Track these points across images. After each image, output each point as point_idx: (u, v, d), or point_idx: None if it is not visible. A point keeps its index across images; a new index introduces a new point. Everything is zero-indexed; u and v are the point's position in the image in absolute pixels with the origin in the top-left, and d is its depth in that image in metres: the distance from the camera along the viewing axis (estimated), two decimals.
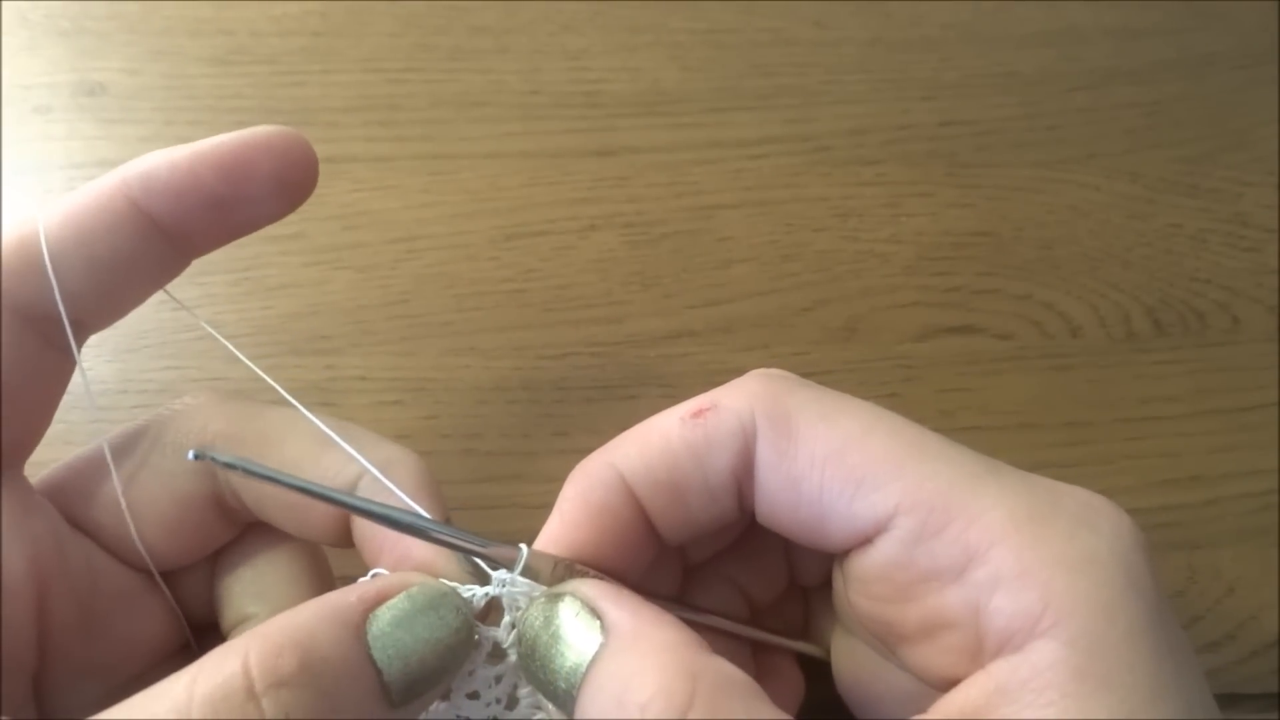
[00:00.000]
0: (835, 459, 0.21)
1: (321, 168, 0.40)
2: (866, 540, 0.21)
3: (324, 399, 0.36)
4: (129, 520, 0.24)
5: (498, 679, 0.22)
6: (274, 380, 0.37)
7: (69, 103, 0.42)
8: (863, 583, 0.22)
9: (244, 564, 0.26)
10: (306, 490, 0.21)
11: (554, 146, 0.42)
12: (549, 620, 0.20)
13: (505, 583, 0.21)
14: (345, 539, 0.25)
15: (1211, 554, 0.35)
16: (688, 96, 0.44)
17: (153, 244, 0.23)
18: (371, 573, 0.22)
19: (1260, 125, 0.46)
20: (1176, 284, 0.41)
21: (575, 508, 0.23)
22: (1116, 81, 0.46)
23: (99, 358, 0.37)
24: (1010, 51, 0.47)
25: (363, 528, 0.24)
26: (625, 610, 0.20)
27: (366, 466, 0.23)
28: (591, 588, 0.21)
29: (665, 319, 0.39)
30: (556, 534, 0.22)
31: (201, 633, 0.26)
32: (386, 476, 0.23)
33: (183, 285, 0.38)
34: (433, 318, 0.38)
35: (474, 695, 0.22)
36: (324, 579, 0.27)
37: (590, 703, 0.19)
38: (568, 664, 0.19)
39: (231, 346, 0.26)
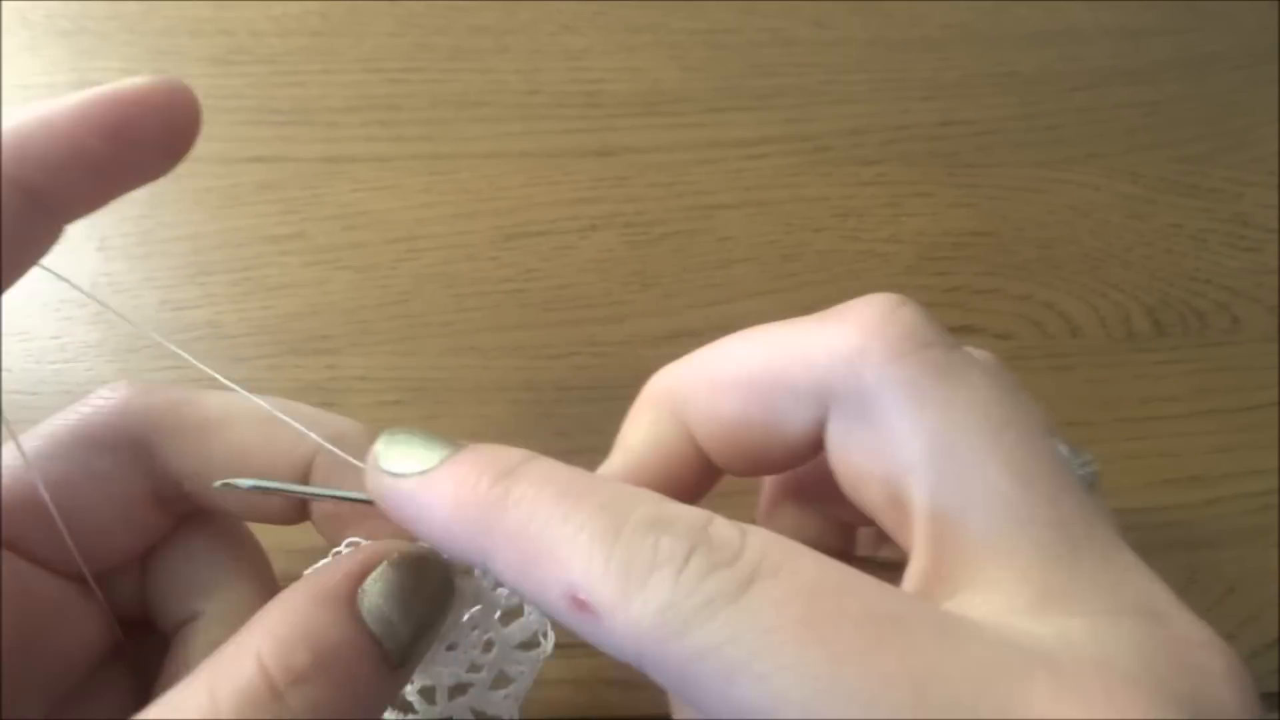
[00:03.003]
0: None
1: (321, 168, 0.40)
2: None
3: (324, 399, 0.36)
4: (63, 528, 0.22)
5: (473, 627, 0.23)
6: (274, 380, 0.37)
7: None
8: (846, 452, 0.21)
9: (181, 559, 0.25)
10: (344, 499, 0.22)
11: (554, 146, 0.42)
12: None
13: None
14: (298, 516, 0.24)
15: (1211, 554, 0.35)
16: (687, 96, 0.44)
17: (26, 216, 0.20)
18: (345, 542, 0.22)
19: (1260, 125, 0.46)
20: (1176, 284, 0.41)
21: (627, 470, 0.22)
22: (1116, 81, 0.46)
23: (99, 357, 0.37)
24: (1010, 51, 0.47)
25: (324, 503, 0.24)
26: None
27: (322, 443, 0.23)
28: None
29: (665, 319, 0.39)
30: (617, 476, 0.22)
31: (133, 633, 0.25)
32: (340, 449, 0.23)
33: (183, 285, 0.39)
34: (433, 318, 0.38)
35: (453, 646, 0.23)
36: (263, 565, 0.26)
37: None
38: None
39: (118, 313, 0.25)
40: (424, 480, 0.19)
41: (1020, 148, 0.44)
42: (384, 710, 0.21)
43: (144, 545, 0.25)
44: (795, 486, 0.26)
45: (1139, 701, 0.15)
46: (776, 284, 0.40)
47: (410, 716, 0.23)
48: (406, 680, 0.21)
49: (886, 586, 0.16)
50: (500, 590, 0.23)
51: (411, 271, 0.39)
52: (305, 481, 0.23)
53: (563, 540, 0.17)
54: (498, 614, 0.23)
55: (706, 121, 0.44)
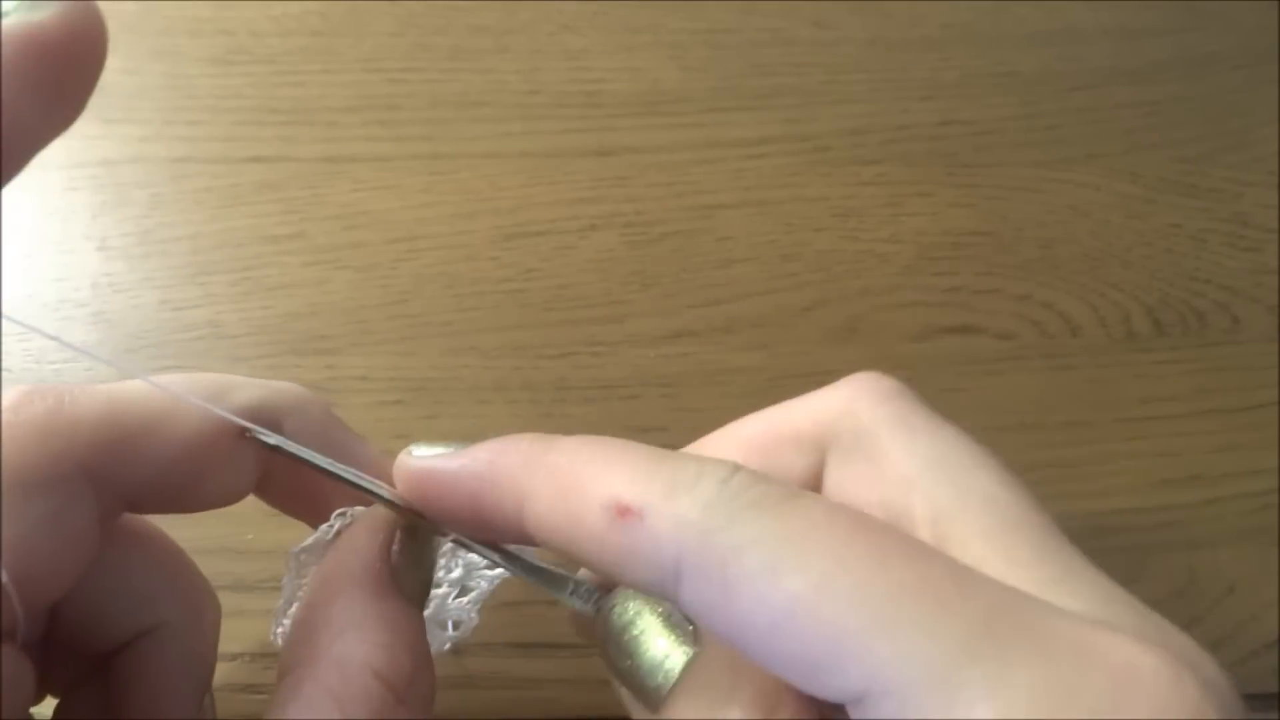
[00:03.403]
0: (780, 632, 0.16)
1: (321, 168, 0.40)
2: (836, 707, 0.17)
3: (324, 399, 0.36)
4: (14, 597, 0.18)
5: (446, 567, 0.24)
6: (272, 380, 0.37)
7: None
8: None
9: (116, 573, 0.22)
10: (358, 485, 0.22)
11: (554, 146, 0.42)
12: (637, 618, 0.21)
13: None
14: (243, 493, 0.23)
15: (1211, 554, 0.35)
16: (687, 96, 0.44)
17: None
18: (335, 513, 0.22)
19: (1260, 125, 0.46)
20: (1176, 284, 0.41)
21: None
22: (1116, 81, 0.46)
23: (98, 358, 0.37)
24: (1010, 51, 0.47)
25: (298, 474, 0.22)
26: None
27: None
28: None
29: (665, 319, 0.39)
30: None
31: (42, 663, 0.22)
32: (306, 416, 0.23)
33: (183, 285, 0.39)
34: (433, 318, 0.38)
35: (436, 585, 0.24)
36: (184, 558, 0.24)
37: (687, 700, 0.19)
38: (660, 661, 0.20)
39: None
40: (461, 451, 0.20)
41: (1020, 148, 0.44)
42: None
43: (85, 570, 0.21)
44: None
45: (1146, 641, 0.15)
46: (776, 284, 0.40)
47: None
48: None
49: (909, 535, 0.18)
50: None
51: (411, 271, 0.39)
52: (267, 458, 0.22)
53: (605, 465, 0.18)
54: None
55: (706, 121, 0.44)
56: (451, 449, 0.20)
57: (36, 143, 0.18)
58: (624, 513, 0.17)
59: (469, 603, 0.25)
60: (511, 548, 0.22)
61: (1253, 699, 0.33)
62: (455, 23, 0.45)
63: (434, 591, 0.24)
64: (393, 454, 0.23)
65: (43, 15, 0.16)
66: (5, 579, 0.18)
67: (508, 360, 0.38)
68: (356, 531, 0.22)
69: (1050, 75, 0.46)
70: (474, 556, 0.24)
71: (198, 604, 0.24)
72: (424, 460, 0.20)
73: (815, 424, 0.22)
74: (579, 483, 0.18)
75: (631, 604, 0.21)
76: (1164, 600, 0.32)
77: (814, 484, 0.22)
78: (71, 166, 0.41)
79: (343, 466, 0.22)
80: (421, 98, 0.43)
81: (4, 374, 0.36)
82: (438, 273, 0.39)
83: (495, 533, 0.20)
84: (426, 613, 0.24)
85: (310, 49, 0.44)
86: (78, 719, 0.23)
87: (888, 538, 0.16)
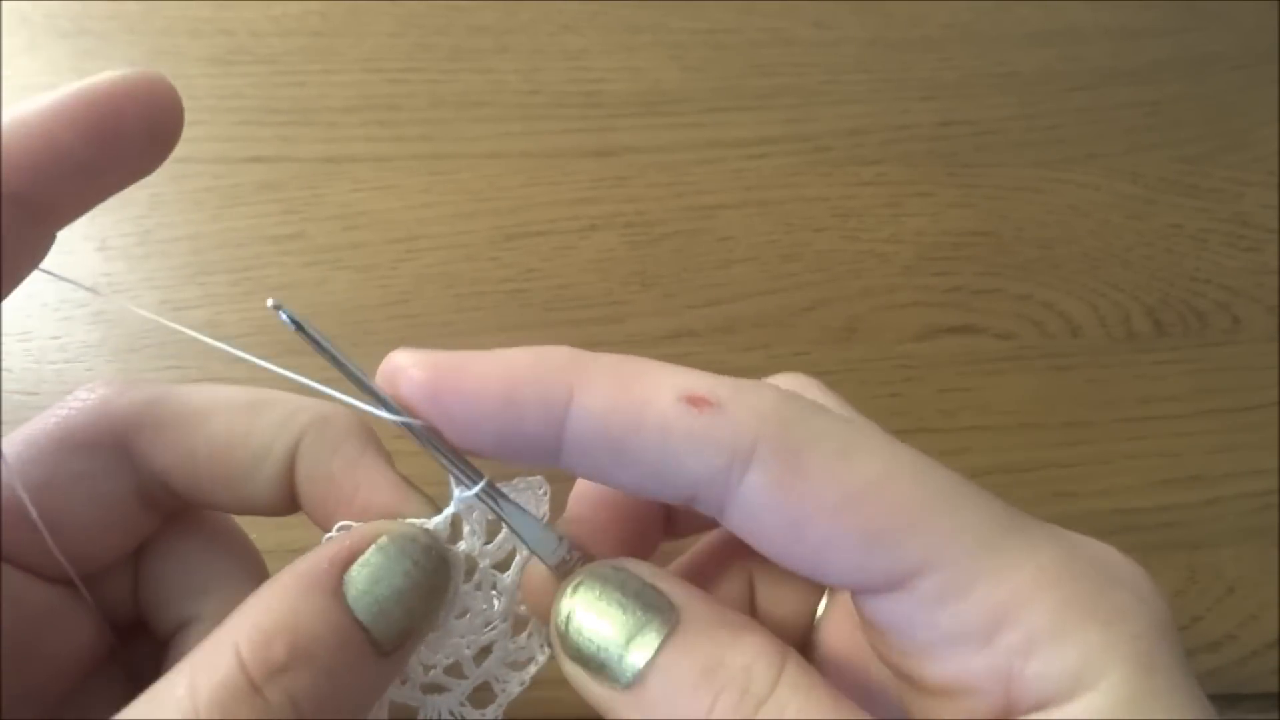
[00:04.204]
0: (849, 507, 0.18)
1: (321, 168, 0.40)
2: (877, 593, 0.19)
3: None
4: (44, 531, 0.22)
5: (476, 587, 0.22)
6: (274, 380, 0.37)
7: None
8: (874, 628, 0.20)
9: (173, 562, 0.24)
10: (362, 384, 0.21)
11: (554, 146, 0.42)
12: (607, 591, 0.20)
13: (464, 501, 0.21)
14: (288, 506, 0.24)
15: (1211, 554, 0.35)
16: (687, 96, 0.44)
17: (14, 222, 0.20)
18: (337, 526, 0.22)
19: (1260, 125, 0.46)
20: (1176, 284, 0.41)
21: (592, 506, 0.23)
22: (1116, 81, 0.46)
23: (98, 357, 0.37)
24: (1010, 51, 0.47)
25: (313, 489, 0.23)
26: (688, 591, 0.20)
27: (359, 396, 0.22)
28: (646, 566, 0.20)
29: (665, 319, 0.39)
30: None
31: (125, 635, 0.25)
32: (323, 432, 0.23)
33: (183, 285, 0.39)
34: (433, 318, 0.38)
35: (462, 614, 0.22)
36: (257, 565, 0.25)
37: (665, 677, 0.19)
38: (633, 636, 0.19)
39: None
40: (492, 351, 0.19)
41: (1020, 148, 0.44)
42: (377, 696, 0.21)
43: (132, 545, 0.24)
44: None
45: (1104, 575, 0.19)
46: (776, 284, 0.40)
47: (444, 695, 0.23)
48: (401, 665, 0.21)
49: None
50: (487, 546, 0.22)
51: (411, 271, 0.39)
52: (290, 472, 0.23)
53: (664, 368, 0.19)
54: (489, 564, 0.23)
55: (706, 121, 0.44)
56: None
57: (101, 182, 0.21)
58: (699, 402, 0.18)
59: (533, 635, 0.23)
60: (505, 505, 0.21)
61: (1253, 699, 0.33)
62: (455, 23, 0.45)
63: (491, 634, 0.23)
64: (390, 456, 0.23)
65: (106, 75, 0.20)
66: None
67: None
68: (336, 538, 0.21)
69: (1050, 75, 0.46)
70: (509, 578, 0.23)
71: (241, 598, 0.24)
72: (447, 356, 0.19)
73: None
74: (645, 374, 0.19)
75: (610, 572, 0.20)
76: None
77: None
78: None
79: (349, 363, 0.21)
80: (421, 98, 0.43)
81: (4, 374, 0.36)
82: (438, 273, 0.39)
83: (523, 438, 0.19)
84: (490, 660, 0.23)
85: (310, 49, 0.44)
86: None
87: (921, 454, 0.19)
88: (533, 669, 0.23)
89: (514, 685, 0.23)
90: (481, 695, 0.23)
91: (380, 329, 0.38)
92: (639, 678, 0.18)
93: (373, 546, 0.20)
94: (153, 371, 0.36)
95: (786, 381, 0.22)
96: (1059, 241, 0.42)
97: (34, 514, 0.21)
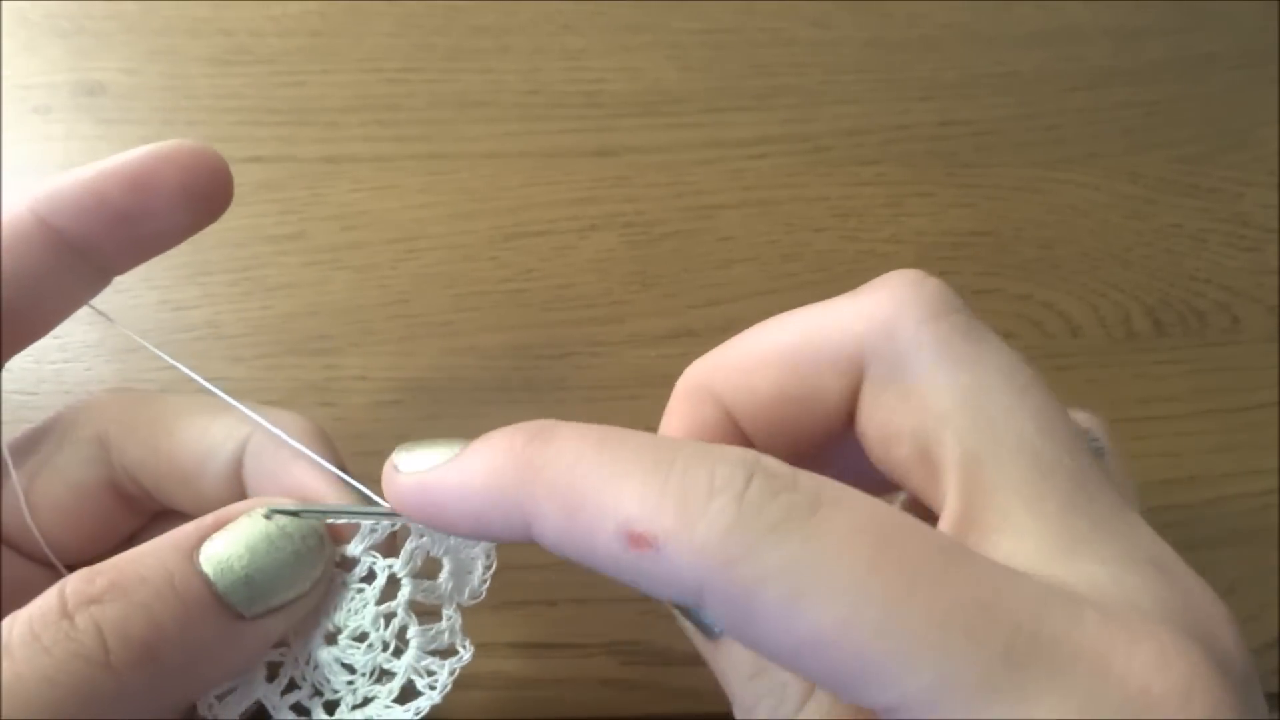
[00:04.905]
0: (807, 654, 0.16)
1: (321, 168, 0.40)
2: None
3: (324, 399, 0.36)
4: (26, 513, 0.24)
5: (386, 619, 0.22)
6: (274, 380, 0.37)
7: (68, 103, 0.42)
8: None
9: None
10: (373, 514, 0.22)
11: (553, 146, 0.42)
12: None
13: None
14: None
15: (1211, 554, 0.35)
16: (687, 96, 0.44)
17: (64, 260, 0.23)
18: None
19: (1260, 125, 0.46)
20: (1176, 284, 0.41)
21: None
22: (1115, 81, 0.46)
23: (98, 357, 0.37)
24: (1009, 51, 0.47)
25: (259, 485, 0.24)
26: None
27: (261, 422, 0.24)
28: None
29: (665, 319, 0.39)
30: None
31: None
32: (270, 431, 0.24)
33: (183, 285, 0.39)
34: (432, 318, 0.38)
35: (361, 637, 0.22)
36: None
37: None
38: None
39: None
40: (454, 461, 0.19)
41: (1020, 148, 0.44)
42: (236, 658, 0.21)
43: (115, 538, 0.26)
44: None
45: (1167, 637, 0.15)
46: (776, 284, 0.40)
47: (373, 704, 0.23)
48: (264, 639, 0.21)
49: (937, 530, 0.17)
50: (411, 582, 0.22)
51: (411, 271, 0.39)
52: (238, 470, 0.24)
53: (611, 480, 0.17)
54: (407, 598, 0.23)
55: (706, 121, 0.44)
56: (441, 450, 0.19)
57: (144, 231, 0.24)
58: (638, 541, 0.16)
59: (478, 559, 0.23)
60: None
61: None
62: (455, 23, 0.45)
63: (394, 663, 0.23)
64: (341, 458, 0.24)
65: (170, 142, 0.24)
66: None
67: (508, 360, 0.38)
68: (213, 512, 0.22)
69: (1050, 75, 0.46)
70: (398, 564, 0.23)
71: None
72: (414, 477, 0.19)
73: (852, 341, 0.21)
74: (586, 502, 0.17)
75: None
76: None
77: (850, 406, 0.21)
78: (71, 167, 0.40)
79: (342, 507, 0.23)
80: (421, 98, 0.43)
81: (4, 374, 0.36)
82: (437, 273, 0.39)
83: (517, 540, 0.19)
84: (389, 684, 0.23)
85: (310, 49, 0.44)
86: None
87: (913, 553, 0.16)
88: (464, 655, 0.23)
89: (444, 675, 0.23)
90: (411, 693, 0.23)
91: (380, 329, 0.38)
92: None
93: (243, 515, 0.21)
94: (153, 371, 0.36)
95: (900, 295, 0.21)
96: (1059, 241, 0.42)
97: (21, 497, 0.24)
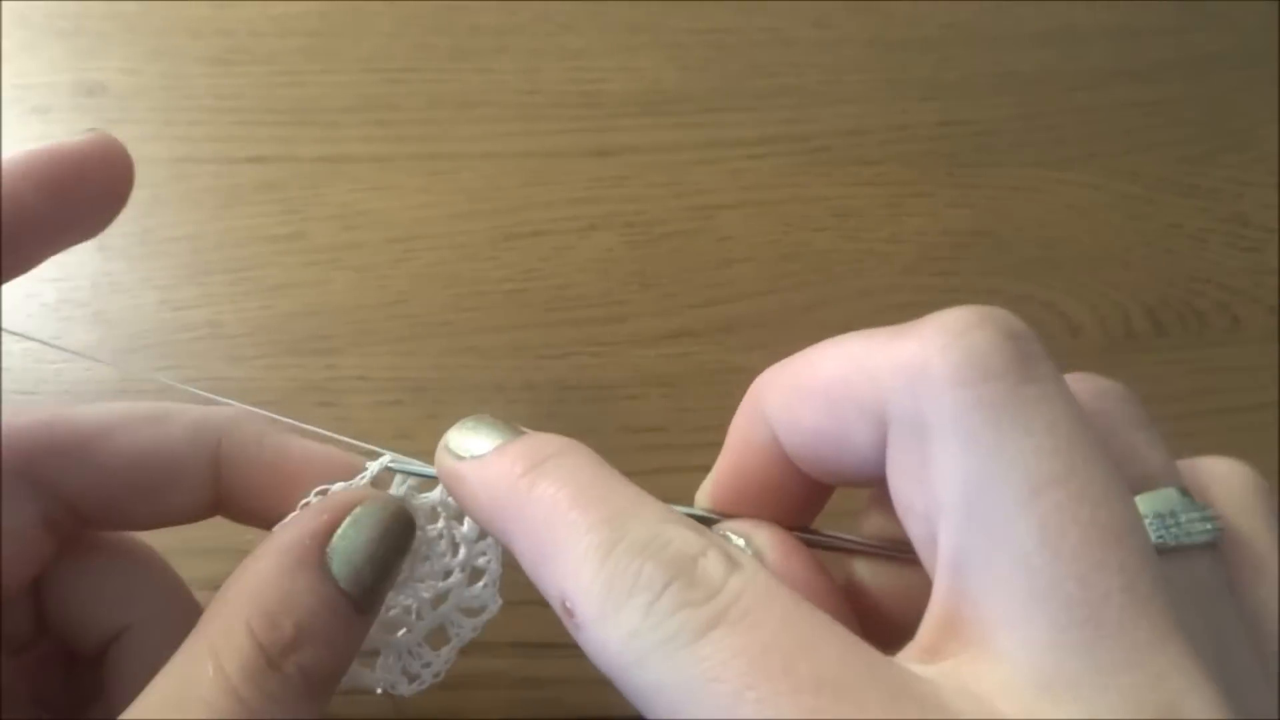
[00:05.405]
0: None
1: (321, 168, 0.40)
2: None
3: (324, 399, 0.36)
4: None
5: (439, 537, 0.24)
6: (273, 380, 0.37)
7: (68, 103, 0.42)
8: None
9: (85, 578, 0.25)
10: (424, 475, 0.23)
11: (553, 146, 0.42)
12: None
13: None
14: (207, 511, 0.25)
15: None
16: (687, 96, 0.44)
17: None
18: (314, 492, 0.23)
19: (1260, 125, 0.46)
20: (1176, 284, 0.41)
21: (726, 471, 0.23)
22: (1116, 81, 0.46)
23: (98, 358, 0.37)
24: (1010, 51, 0.47)
25: (249, 482, 0.24)
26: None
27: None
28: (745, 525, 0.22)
29: (665, 319, 0.39)
30: (711, 494, 0.23)
31: (25, 658, 0.25)
32: (241, 430, 0.24)
33: (182, 285, 0.39)
34: (432, 317, 0.38)
35: (424, 562, 0.24)
36: (160, 563, 0.26)
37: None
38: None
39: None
40: (476, 463, 0.20)
41: (1020, 148, 0.44)
42: (359, 648, 0.22)
43: (34, 573, 0.24)
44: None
45: None
46: (776, 284, 0.40)
47: (402, 634, 0.24)
48: (375, 616, 0.23)
49: (857, 647, 0.16)
50: (450, 499, 0.24)
51: (410, 271, 0.39)
52: (214, 476, 0.24)
53: (566, 546, 0.18)
54: (450, 515, 0.24)
55: (706, 121, 0.44)
56: (485, 438, 0.21)
57: (47, 239, 0.22)
58: (568, 614, 0.18)
59: (488, 586, 0.25)
60: None
61: None
62: (455, 23, 0.45)
63: (448, 582, 0.24)
64: (393, 451, 0.24)
65: (69, 139, 0.22)
66: None
67: (508, 360, 0.38)
68: (308, 509, 0.22)
69: (1050, 75, 0.46)
70: (468, 529, 0.24)
71: (170, 603, 0.25)
72: (449, 463, 0.21)
73: (876, 396, 0.18)
74: (546, 559, 0.18)
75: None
76: None
77: (881, 455, 0.19)
78: None
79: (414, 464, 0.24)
80: (421, 98, 0.43)
81: (4, 374, 0.36)
82: (437, 273, 0.39)
83: None
84: (446, 605, 0.24)
85: (310, 49, 0.44)
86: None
87: (799, 682, 0.15)
88: (485, 616, 0.25)
89: (467, 631, 0.25)
90: (438, 639, 0.25)
91: (379, 329, 0.38)
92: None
93: (348, 519, 0.22)
94: (152, 372, 0.36)
95: (933, 348, 0.18)
96: (1059, 241, 0.42)
97: None
